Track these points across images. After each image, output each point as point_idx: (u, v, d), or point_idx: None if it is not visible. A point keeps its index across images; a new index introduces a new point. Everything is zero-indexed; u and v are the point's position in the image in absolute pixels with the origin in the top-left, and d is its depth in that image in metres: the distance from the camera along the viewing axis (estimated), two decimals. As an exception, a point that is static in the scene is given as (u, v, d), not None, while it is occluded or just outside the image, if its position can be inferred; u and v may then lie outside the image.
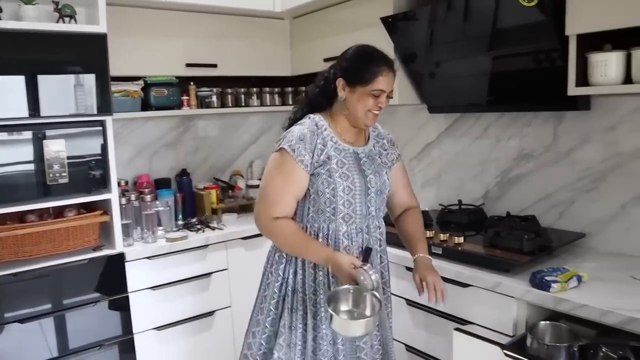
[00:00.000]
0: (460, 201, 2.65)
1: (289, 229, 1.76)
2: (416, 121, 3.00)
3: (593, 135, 2.25)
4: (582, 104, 2.22)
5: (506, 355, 1.67)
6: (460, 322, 2.06)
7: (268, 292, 1.88)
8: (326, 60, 3.04)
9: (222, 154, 3.48)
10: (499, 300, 1.93)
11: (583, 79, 2.00)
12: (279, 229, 1.75)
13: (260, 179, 3.34)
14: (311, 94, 1.89)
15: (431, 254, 1.93)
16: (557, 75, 2.09)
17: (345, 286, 1.68)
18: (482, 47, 2.33)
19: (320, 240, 1.79)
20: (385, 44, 2.64)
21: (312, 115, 1.81)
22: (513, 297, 1.89)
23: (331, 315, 1.61)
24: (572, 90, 2.01)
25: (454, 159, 2.83)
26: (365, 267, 1.65)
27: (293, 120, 1.86)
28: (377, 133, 1.95)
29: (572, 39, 1.98)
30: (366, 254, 1.75)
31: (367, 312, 1.67)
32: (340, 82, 1.75)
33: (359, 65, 1.73)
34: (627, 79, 1.91)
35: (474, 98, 2.54)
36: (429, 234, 2.30)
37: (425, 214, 2.61)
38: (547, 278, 1.81)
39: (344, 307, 1.69)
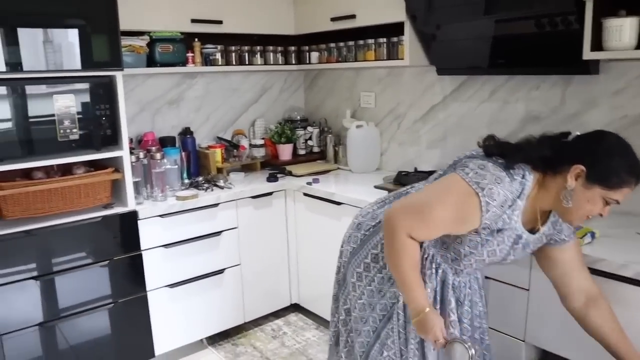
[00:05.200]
0: (467, 162, 2.71)
1: (413, 256, 1.53)
2: (422, 83, 3.03)
3: (600, 98, 2.32)
4: (592, 68, 2.28)
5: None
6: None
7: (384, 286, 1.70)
8: (333, 19, 3.03)
9: (225, 112, 3.45)
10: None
11: (596, 44, 2.06)
12: (405, 248, 1.51)
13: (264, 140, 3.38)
14: (539, 150, 1.49)
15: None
16: (569, 39, 2.14)
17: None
18: (494, 9, 2.35)
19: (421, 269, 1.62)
20: (394, 4, 2.66)
21: (527, 177, 1.47)
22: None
23: None
24: (587, 54, 2.06)
25: (460, 122, 2.88)
26: (462, 340, 1.53)
27: (506, 155, 1.50)
28: (557, 218, 1.61)
29: (588, 3, 2.02)
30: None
31: None
32: (576, 170, 1.42)
33: (614, 166, 1.41)
34: (640, 45, 1.98)
35: (484, 61, 2.58)
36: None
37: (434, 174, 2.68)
38: (566, 235, 1.91)
39: None
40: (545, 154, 1.48)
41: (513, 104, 2.63)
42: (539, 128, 2.53)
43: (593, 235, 1.95)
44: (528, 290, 2.02)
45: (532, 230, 1.57)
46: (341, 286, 1.86)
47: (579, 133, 1.50)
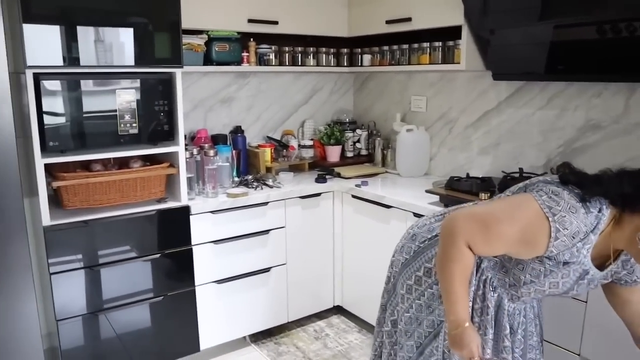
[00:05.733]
0: (521, 169, 2.66)
1: (466, 267, 1.45)
2: (476, 88, 2.99)
3: (668, 108, 2.25)
4: (661, 76, 2.21)
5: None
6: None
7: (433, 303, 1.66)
8: (389, 22, 3.02)
9: (275, 112, 3.48)
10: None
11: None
12: (462, 256, 1.43)
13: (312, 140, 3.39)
14: (619, 185, 1.39)
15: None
16: (635, 46, 2.08)
17: None
18: (549, 15, 2.31)
19: (473, 288, 1.57)
20: (452, 8, 2.64)
21: (604, 211, 1.38)
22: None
23: None
24: (657, 61, 2.01)
25: (514, 128, 2.83)
26: None
27: (584, 185, 1.41)
28: (628, 257, 1.50)
29: (661, 10, 1.96)
30: None
31: None
32: None
33: None
34: None
35: (542, 67, 2.52)
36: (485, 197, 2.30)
37: (487, 180, 2.64)
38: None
39: None
40: (626, 191, 1.37)
41: (572, 111, 2.57)
42: (598, 137, 2.47)
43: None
44: (586, 302, 1.97)
45: (600, 267, 1.47)
46: (390, 296, 1.82)
47: None
